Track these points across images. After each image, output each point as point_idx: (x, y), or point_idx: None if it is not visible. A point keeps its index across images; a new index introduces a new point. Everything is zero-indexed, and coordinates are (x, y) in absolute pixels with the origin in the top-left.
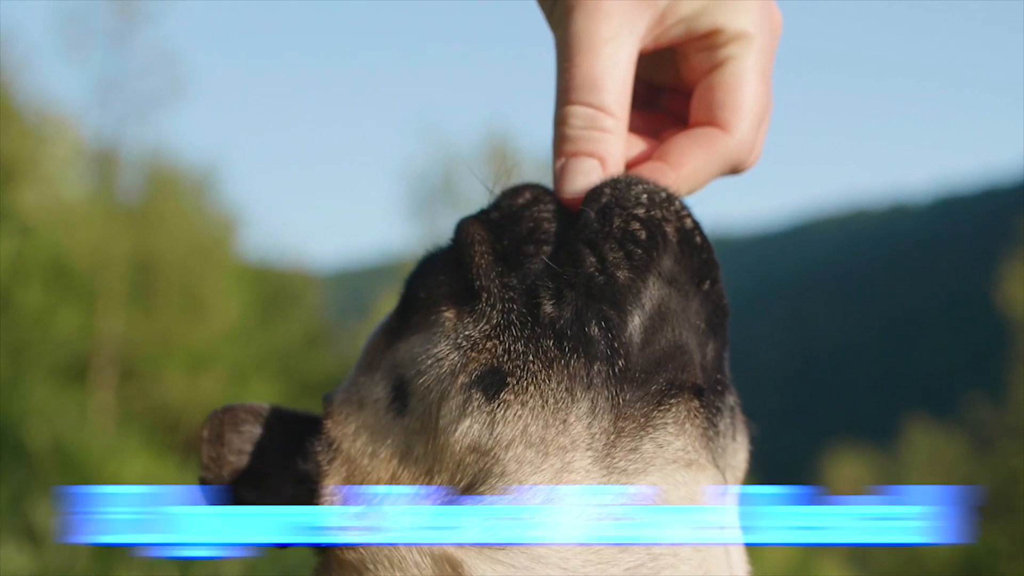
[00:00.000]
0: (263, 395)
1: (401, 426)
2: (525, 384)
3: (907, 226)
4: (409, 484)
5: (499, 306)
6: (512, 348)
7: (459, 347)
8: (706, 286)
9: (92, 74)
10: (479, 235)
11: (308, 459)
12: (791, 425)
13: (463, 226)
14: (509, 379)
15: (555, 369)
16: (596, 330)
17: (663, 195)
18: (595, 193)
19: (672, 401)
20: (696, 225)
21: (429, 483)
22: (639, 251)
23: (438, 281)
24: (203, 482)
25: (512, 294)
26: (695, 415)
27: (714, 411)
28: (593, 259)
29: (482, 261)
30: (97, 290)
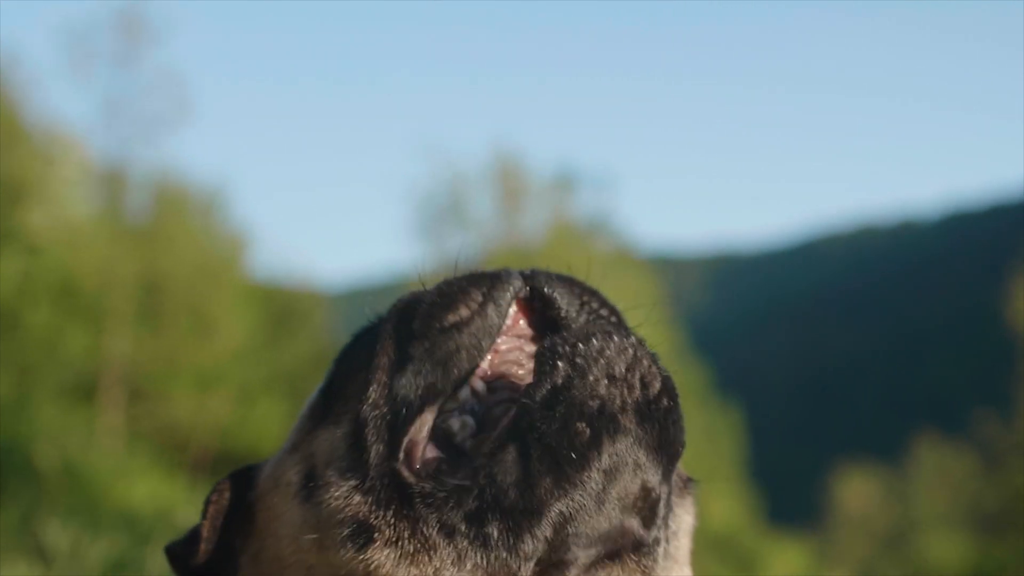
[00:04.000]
0: (270, 414)
1: (300, 515)
2: (387, 545)
3: (915, 243)
4: (295, 571)
5: (376, 473)
6: (379, 514)
7: (341, 486)
8: (667, 446)
9: (99, 95)
10: (387, 358)
11: (235, 535)
12: (800, 442)
13: (381, 335)
14: (376, 535)
15: (436, 552)
16: (498, 531)
17: (627, 362)
18: (548, 366)
19: (609, 564)
20: (664, 383)
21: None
22: (573, 456)
23: (355, 378)
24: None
25: (391, 466)
26: (630, 567)
27: (652, 553)
28: (515, 473)
29: (376, 407)
30: (105, 310)
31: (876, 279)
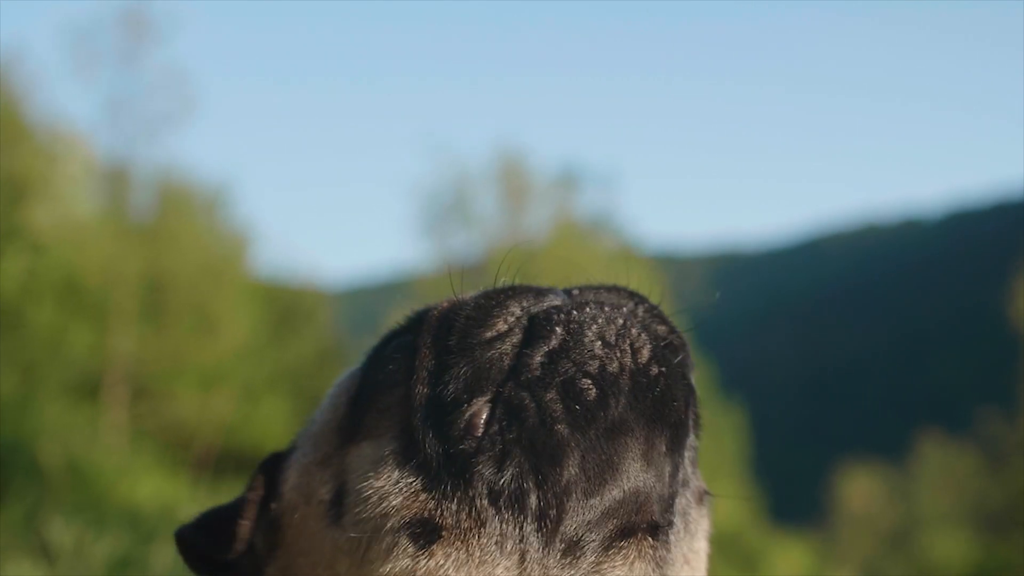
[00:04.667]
0: (274, 412)
1: (332, 538)
2: (453, 539)
3: (918, 241)
4: None
5: (436, 462)
6: (444, 505)
7: (398, 491)
8: (663, 413)
9: (102, 93)
10: (427, 370)
11: (259, 535)
12: (803, 441)
13: (419, 348)
14: (439, 532)
15: (487, 526)
16: (531, 487)
17: (618, 329)
18: (545, 329)
19: (622, 544)
20: (652, 355)
21: None
22: (583, 410)
23: (391, 392)
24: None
25: (449, 450)
26: (646, 553)
27: (666, 540)
28: (534, 415)
29: (422, 409)
30: (109, 308)
31: (879, 277)
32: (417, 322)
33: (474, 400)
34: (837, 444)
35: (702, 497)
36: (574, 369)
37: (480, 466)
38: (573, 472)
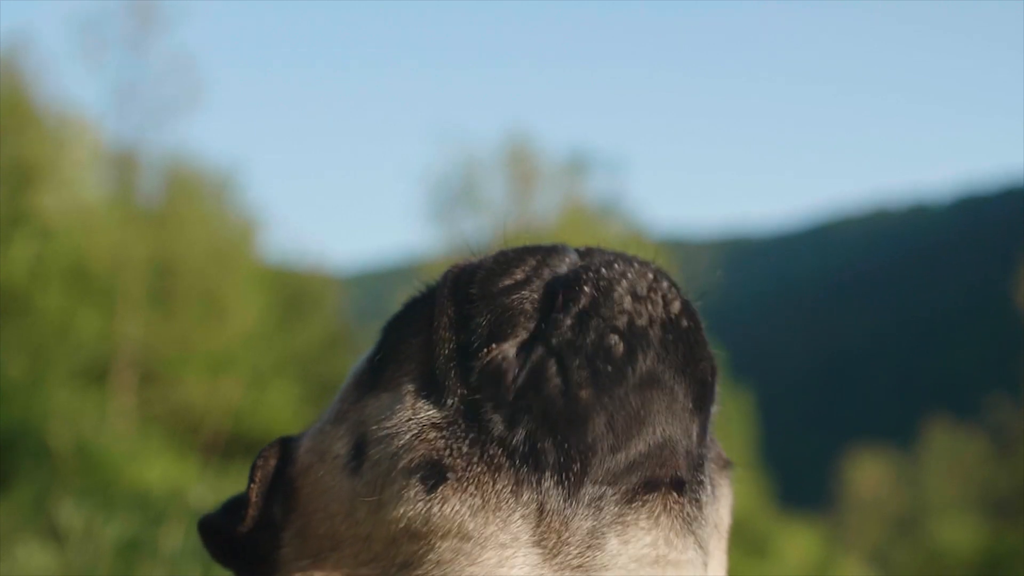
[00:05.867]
0: (283, 398)
1: (351, 487)
2: (465, 483)
3: (927, 226)
4: (350, 546)
5: (452, 405)
6: (454, 446)
7: (407, 429)
8: (692, 367)
9: (111, 79)
10: (448, 317)
11: (274, 505)
12: (811, 427)
13: (439, 296)
14: (449, 474)
15: (500, 473)
16: (549, 447)
17: (648, 283)
18: (574, 286)
19: (647, 497)
20: (684, 306)
21: (367, 549)
22: (610, 368)
23: (410, 342)
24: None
25: (468, 399)
26: (672, 508)
27: (695, 497)
28: (557, 380)
29: (444, 350)
30: (117, 293)
31: (888, 263)
32: (441, 279)
33: (496, 346)
34: (845, 430)
35: (725, 466)
36: (602, 325)
37: (498, 417)
38: (597, 431)
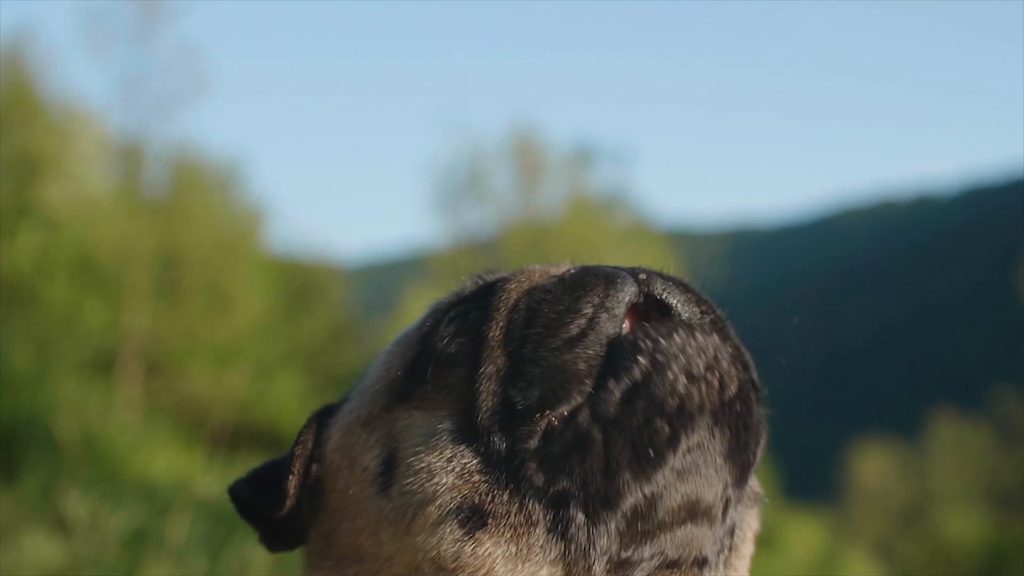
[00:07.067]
0: (289, 389)
1: (379, 507)
2: (503, 530)
3: (933, 218)
4: (371, 562)
5: (495, 454)
6: (496, 494)
7: (451, 470)
8: (736, 453)
9: (116, 71)
10: (496, 367)
11: (304, 494)
12: (817, 418)
13: (489, 339)
14: (489, 520)
15: (537, 528)
16: (582, 515)
17: (707, 361)
18: (627, 356)
19: (667, 573)
20: (740, 387)
21: (388, 569)
22: (652, 453)
23: (453, 371)
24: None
25: (511, 450)
26: None
27: (715, 565)
28: (600, 454)
29: (490, 402)
30: (122, 285)
31: (893, 254)
32: (484, 295)
33: (546, 412)
34: (850, 421)
35: (756, 500)
36: (651, 408)
37: (540, 476)
38: (631, 509)
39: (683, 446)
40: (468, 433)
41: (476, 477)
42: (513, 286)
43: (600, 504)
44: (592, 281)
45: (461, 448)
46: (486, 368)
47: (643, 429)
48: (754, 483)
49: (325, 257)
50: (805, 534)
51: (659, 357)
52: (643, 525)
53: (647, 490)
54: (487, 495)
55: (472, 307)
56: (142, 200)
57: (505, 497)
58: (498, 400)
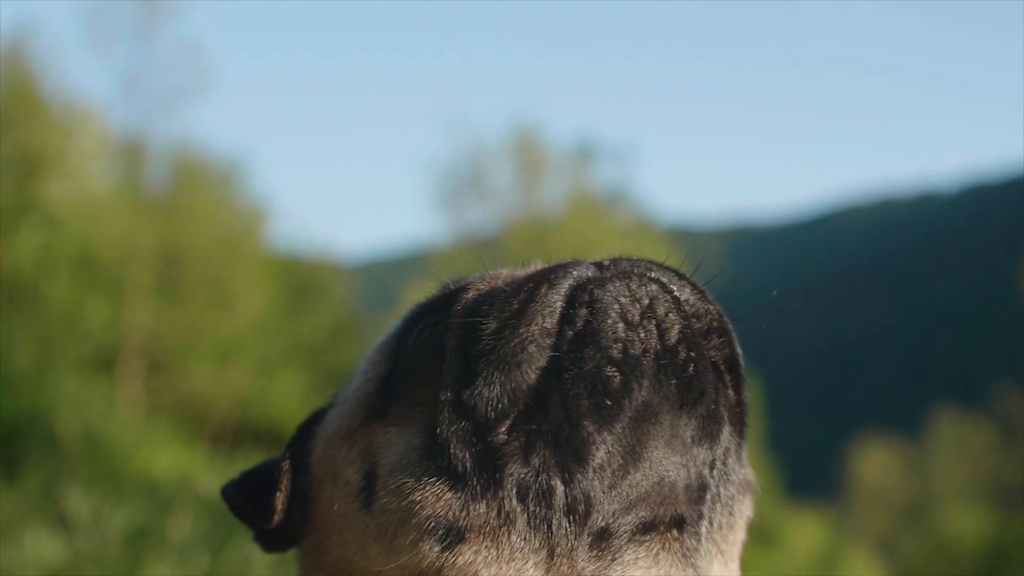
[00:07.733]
0: (290, 386)
1: (363, 523)
2: (481, 538)
3: (934, 215)
4: (363, 575)
5: (462, 466)
6: (471, 507)
7: (421, 488)
8: (691, 400)
9: (118, 68)
10: (454, 374)
11: (293, 508)
12: (819, 415)
13: (447, 349)
14: (467, 534)
15: (516, 524)
16: (558, 483)
17: (643, 309)
18: (570, 309)
19: (646, 537)
20: (681, 337)
21: None
22: (608, 401)
23: (422, 389)
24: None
25: (476, 452)
26: (671, 545)
27: (695, 531)
28: (561, 409)
29: (447, 411)
30: (124, 282)
31: (895, 251)
32: (448, 301)
33: (503, 416)
34: (852, 418)
35: (748, 488)
36: (598, 355)
37: (508, 466)
38: (598, 464)
39: (636, 396)
40: (435, 449)
41: (448, 495)
42: (471, 294)
43: (572, 459)
44: (549, 270)
45: (429, 466)
46: (445, 378)
47: (595, 378)
48: (747, 471)
49: (326, 254)
50: (806, 531)
51: (597, 306)
52: (614, 478)
53: (611, 441)
54: (461, 511)
55: (436, 311)
56: (143, 197)
57: (481, 508)
58: (454, 410)
